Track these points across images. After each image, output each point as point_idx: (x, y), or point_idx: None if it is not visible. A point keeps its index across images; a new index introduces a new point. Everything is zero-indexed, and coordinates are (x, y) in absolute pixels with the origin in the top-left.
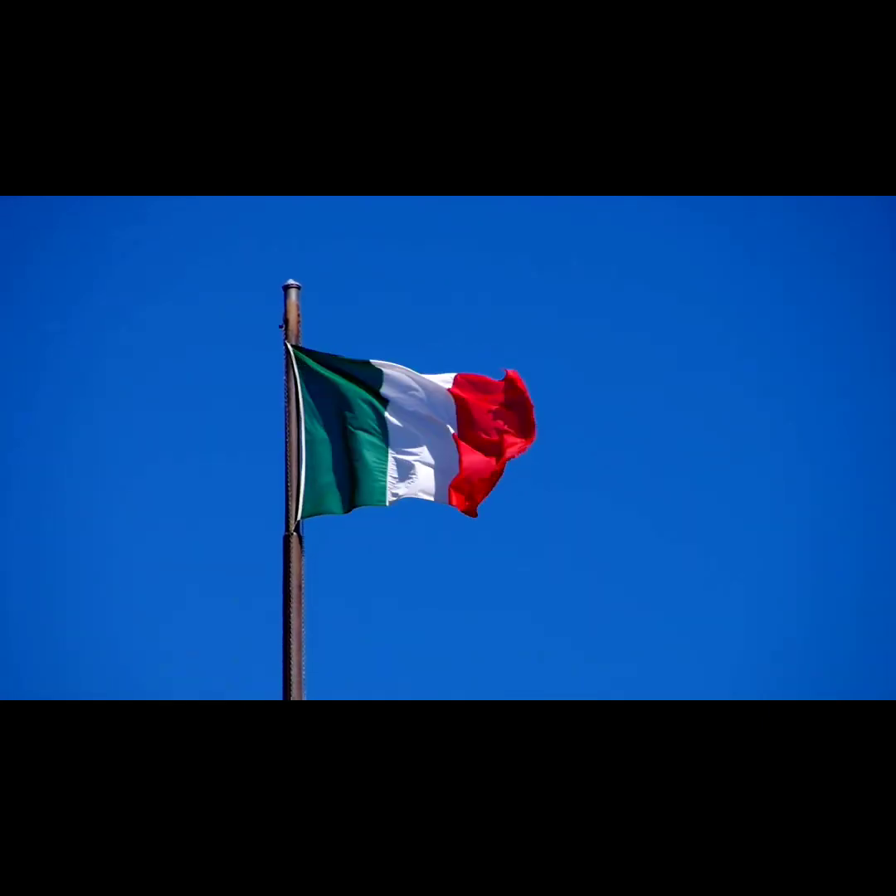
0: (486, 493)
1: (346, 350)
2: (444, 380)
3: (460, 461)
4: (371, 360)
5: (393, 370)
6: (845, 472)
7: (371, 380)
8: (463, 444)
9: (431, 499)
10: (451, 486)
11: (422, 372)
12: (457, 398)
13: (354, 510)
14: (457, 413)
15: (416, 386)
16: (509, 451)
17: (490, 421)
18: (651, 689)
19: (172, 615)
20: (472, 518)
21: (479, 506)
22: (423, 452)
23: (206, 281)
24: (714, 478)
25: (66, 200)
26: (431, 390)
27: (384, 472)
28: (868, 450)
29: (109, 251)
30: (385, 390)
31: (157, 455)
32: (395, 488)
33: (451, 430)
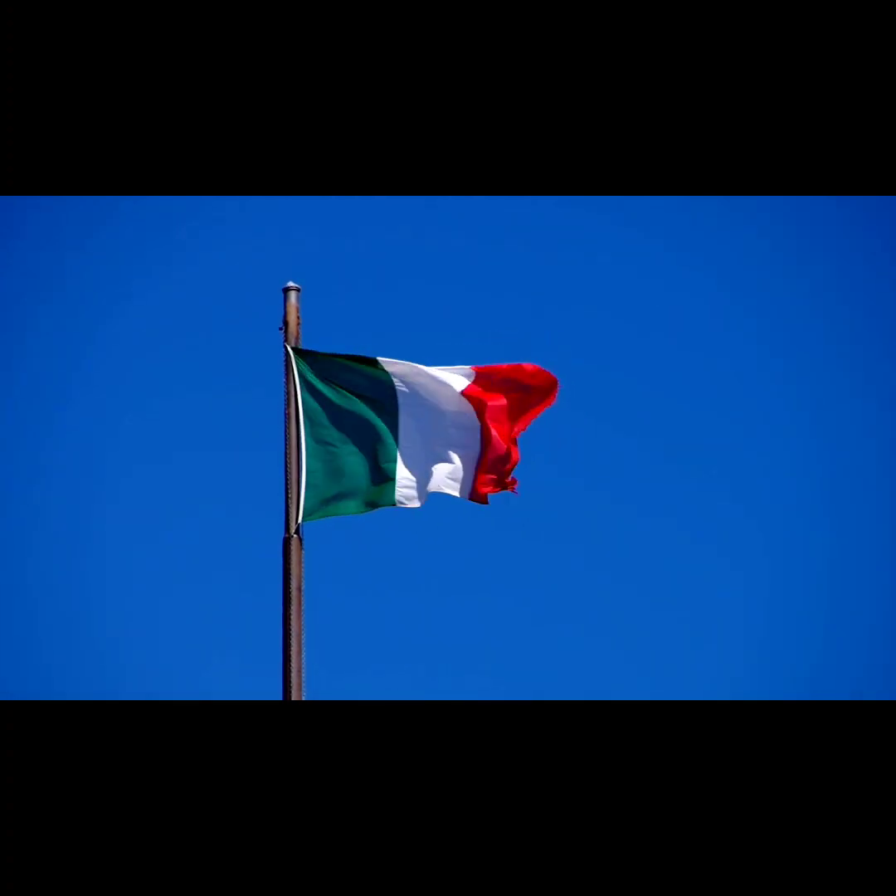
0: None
1: (346, 352)
2: (459, 378)
3: (484, 450)
4: (378, 359)
5: (401, 370)
6: (848, 470)
7: (377, 385)
8: (486, 432)
9: (453, 493)
10: (476, 479)
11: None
12: (472, 399)
13: (362, 511)
14: (475, 408)
15: (427, 384)
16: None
17: (507, 412)
18: (651, 689)
19: (173, 616)
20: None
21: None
22: (441, 451)
23: (206, 283)
24: (714, 476)
25: (65, 200)
26: (444, 388)
27: (394, 473)
28: (870, 448)
29: (109, 252)
30: (399, 390)
31: (157, 456)
32: (407, 489)
33: (475, 422)
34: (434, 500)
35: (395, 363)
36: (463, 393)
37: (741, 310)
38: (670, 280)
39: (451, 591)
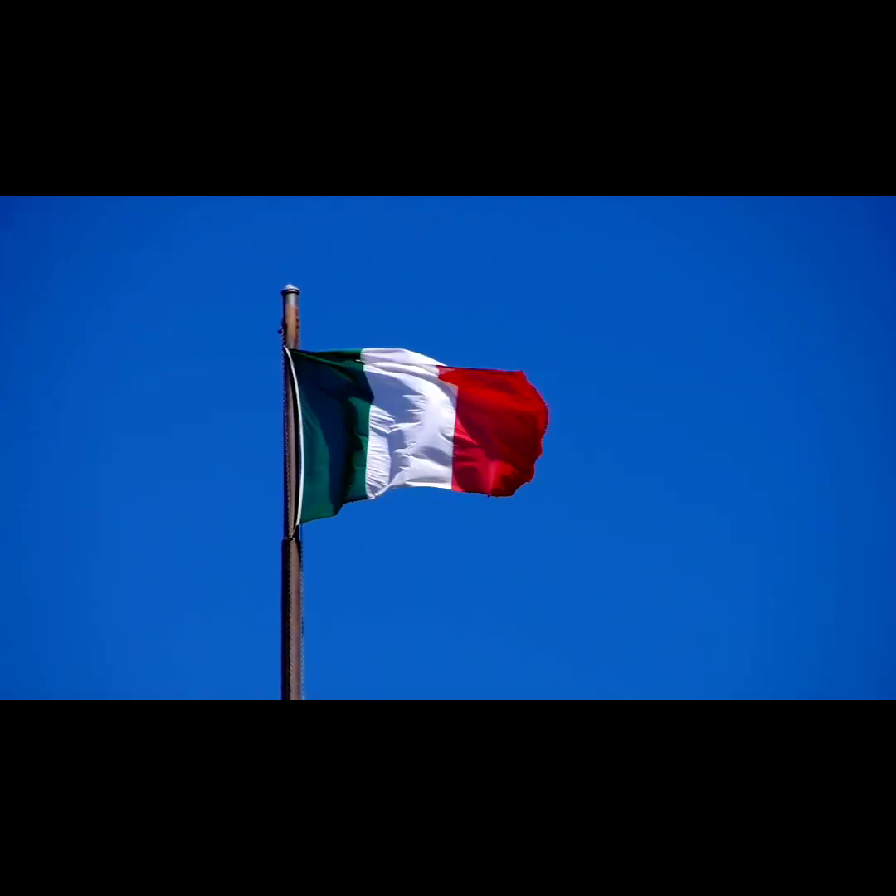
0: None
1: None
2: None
3: (458, 440)
4: (360, 352)
5: (379, 365)
6: (848, 469)
7: (359, 378)
8: (463, 424)
9: (430, 484)
10: (454, 470)
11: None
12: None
13: (345, 506)
14: (456, 396)
15: (404, 374)
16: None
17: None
18: (651, 689)
19: (172, 621)
20: (505, 497)
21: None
22: (415, 442)
23: (205, 284)
24: (714, 475)
25: (65, 200)
26: (423, 375)
27: (365, 465)
28: (869, 449)
29: (108, 252)
30: (371, 384)
31: (155, 461)
32: (378, 479)
33: (451, 415)
34: (433, 500)
35: (380, 353)
36: (440, 378)
37: (740, 310)
38: (670, 280)
39: (450, 592)
